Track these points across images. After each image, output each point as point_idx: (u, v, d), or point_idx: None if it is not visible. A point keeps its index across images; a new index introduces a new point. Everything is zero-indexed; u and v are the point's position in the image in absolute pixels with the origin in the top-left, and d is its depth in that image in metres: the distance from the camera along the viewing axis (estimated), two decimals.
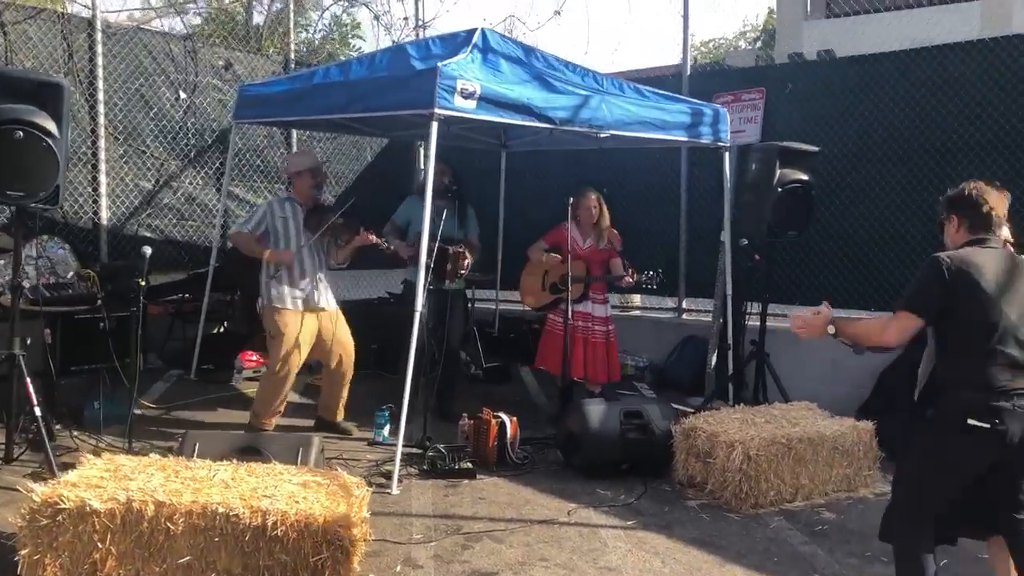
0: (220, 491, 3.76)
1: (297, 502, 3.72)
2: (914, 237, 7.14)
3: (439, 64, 5.07)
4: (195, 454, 4.46)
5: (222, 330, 7.93)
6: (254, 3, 11.43)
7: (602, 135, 5.92)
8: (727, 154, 6.88)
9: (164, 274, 7.75)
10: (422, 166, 9.78)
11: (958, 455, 3.38)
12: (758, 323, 6.69)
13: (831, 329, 3.64)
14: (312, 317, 5.87)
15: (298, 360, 5.84)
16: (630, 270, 6.36)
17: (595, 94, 5.95)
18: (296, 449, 4.53)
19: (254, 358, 7.41)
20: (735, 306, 7.11)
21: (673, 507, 5.07)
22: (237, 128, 8.10)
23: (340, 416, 6.21)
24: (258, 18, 11.84)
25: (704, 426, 5.38)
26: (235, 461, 4.19)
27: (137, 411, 6.16)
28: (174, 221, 7.99)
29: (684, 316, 8.61)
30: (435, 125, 5.10)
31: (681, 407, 7.23)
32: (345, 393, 6.17)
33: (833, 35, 12.09)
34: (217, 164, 8.18)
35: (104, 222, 7.45)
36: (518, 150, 8.69)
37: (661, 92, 6.49)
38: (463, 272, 6.20)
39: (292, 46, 8.81)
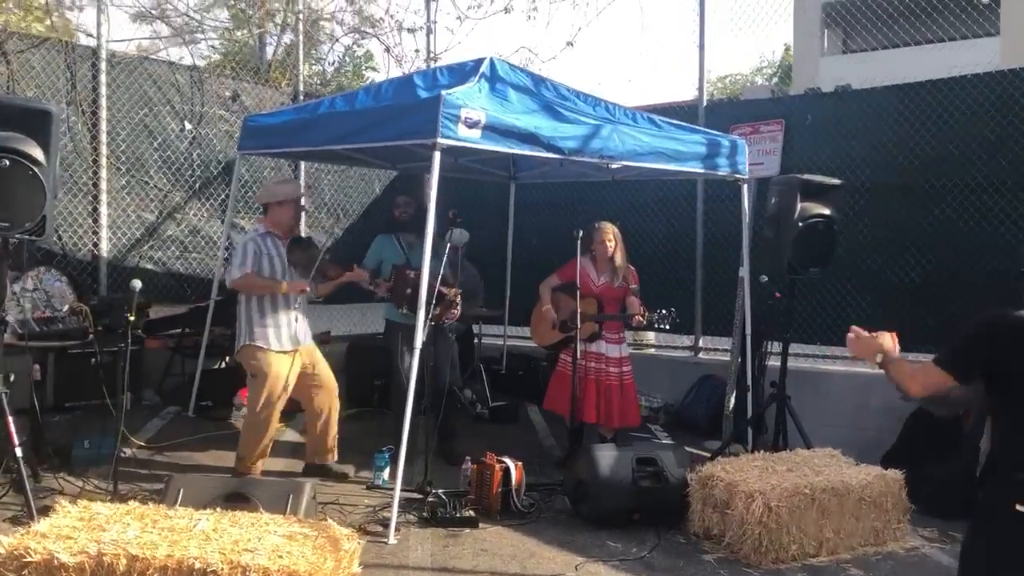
0: (199, 544, 3.50)
1: (281, 556, 3.46)
2: (941, 275, 6.86)
3: (443, 92, 4.87)
4: (178, 501, 4.21)
5: (223, 365, 7.69)
6: (266, 36, 11.36)
7: (613, 166, 5.69)
8: (745, 187, 6.63)
9: (167, 307, 7.56)
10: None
11: (1006, 548, 2.80)
12: (779, 363, 6.37)
13: (879, 358, 3.20)
14: (295, 356, 5.62)
15: (281, 401, 5.57)
16: (641, 308, 6.09)
17: (606, 123, 5.73)
18: (286, 496, 4.26)
19: None
20: (754, 345, 6.82)
21: (688, 561, 4.75)
22: (243, 159, 7.95)
23: (332, 457, 5.91)
24: (270, 51, 11.76)
25: (722, 474, 5.07)
26: (219, 509, 3.95)
27: (128, 451, 5.98)
28: (177, 253, 7.80)
29: (701, 355, 8.33)
30: (438, 155, 4.88)
31: (697, 451, 6.96)
32: (334, 432, 5.88)
33: (849, 71, 11.89)
34: (223, 196, 8.00)
35: (104, 254, 7.26)
36: (528, 182, 8.48)
37: (676, 123, 6.26)
38: (448, 321, 5.93)
39: (302, 77, 8.67)
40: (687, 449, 7.01)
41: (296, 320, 5.61)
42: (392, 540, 4.75)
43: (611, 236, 6.31)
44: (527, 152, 5.34)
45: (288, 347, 5.56)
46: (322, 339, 8.85)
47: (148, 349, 7.15)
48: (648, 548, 4.89)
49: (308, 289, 5.58)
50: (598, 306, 6.26)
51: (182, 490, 4.25)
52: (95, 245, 7.24)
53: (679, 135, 6.12)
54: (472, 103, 5.08)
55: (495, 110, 5.29)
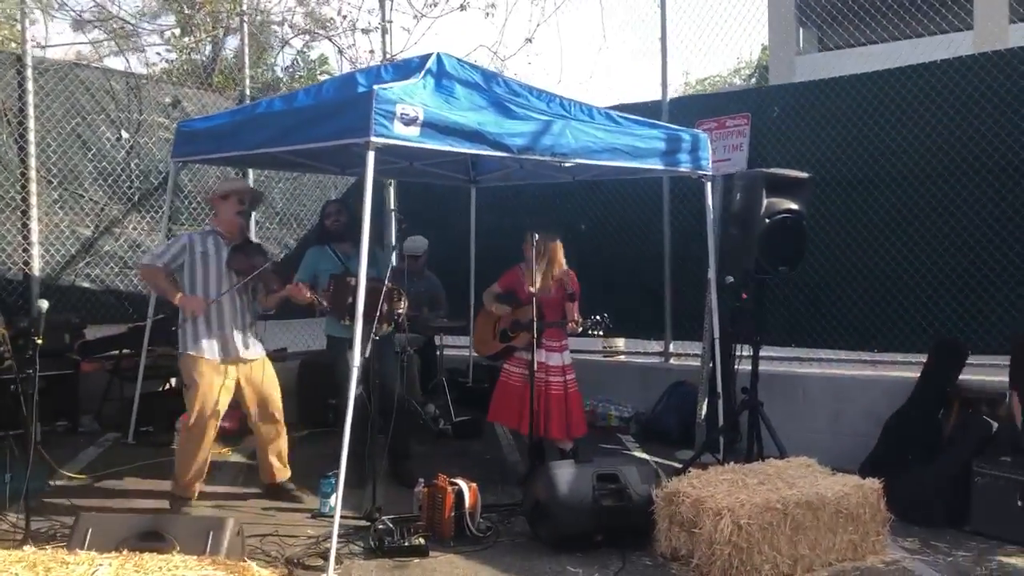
0: None
1: None
2: (919, 272, 6.56)
3: (375, 87, 4.49)
4: (86, 542, 3.81)
5: (167, 388, 7.28)
6: (217, 40, 10.93)
7: (566, 164, 5.34)
8: (709, 184, 6.29)
9: (106, 327, 7.15)
10: (392, 206, 9.20)
11: None
12: (750, 368, 6.03)
13: None
14: (231, 368, 5.24)
15: (215, 413, 5.18)
16: (576, 316, 5.80)
17: (558, 120, 5.37)
18: (206, 533, 3.86)
19: None
20: (724, 349, 6.49)
21: None
22: (186, 169, 7.58)
23: (284, 475, 5.58)
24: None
25: (688, 490, 4.72)
26: (125, 552, 3.54)
27: (57, 483, 5.58)
28: (116, 270, 7.39)
29: (672, 361, 7.99)
30: (371, 156, 4.51)
31: (669, 462, 6.62)
32: (282, 448, 5.54)
33: (826, 69, 11.64)
34: (165, 208, 7.58)
35: (36, 272, 6.85)
36: (488, 185, 8.12)
37: (635, 118, 5.92)
38: (400, 314, 5.54)
39: (247, 81, 8.27)
40: (658, 460, 6.72)
41: (238, 330, 5.23)
42: (331, 574, 4.36)
43: (535, 245, 5.94)
44: (471, 151, 4.99)
45: (225, 357, 5.19)
46: (277, 356, 8.49)
47: (85, 373, 6.73)
48: (611, 573, 4.53)
49: (200, 311, 5.12)
50: (538, 314, 5.89)
51: (90, 530, 3.84)
52: (26, 263, 6.83)
53: (637, 131, 5.79)
54: (411, 99, 4.72)
55: (438, 107, 4.93)
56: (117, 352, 6.86)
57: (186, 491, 5.22)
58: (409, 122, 4.59)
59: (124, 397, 6.84)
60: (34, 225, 6.84)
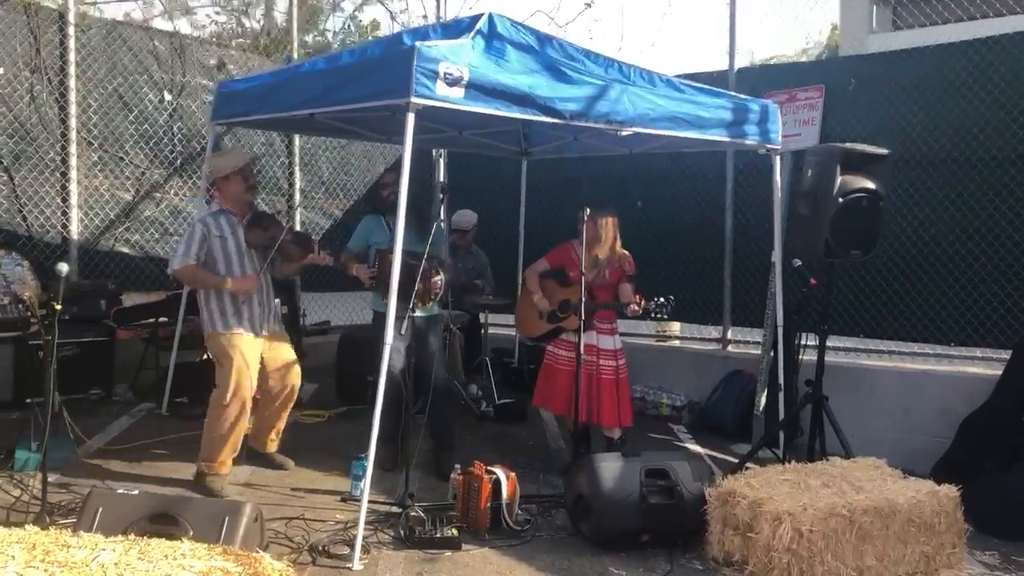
0: None
1: None
2: (1005, 261, 6.04)
3: (417, 44, 4.15)
4: (95, 521, 3.58)
5: (207, 357, 7.07)
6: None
7: (623, 133, 4.94)
8: (778, 158, 5.84)
9: (144, 295, 6.97)
10: (441, 178, 8.89)
11: None
12: (815, 359, 5.58)
13: None
14: (261, 341, 5.10)
15: (250, 390, 4.99)
16: (637, 296, 5.36)
17: (615, 85, 4.97)
18: (221, 518, 3.61)
19: None
20: (787, 338, 6.05)
21: None
22: (233, 134, 7.35)
23: (274, 446, 5.45)
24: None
25: (745, 491, 4.33)
26: (132, 536, 3.30)
27: (85, 453, 5.41)
28: (156, 236, 7.20)
29: (730, 348, 7.56)
30: (411, 118, 4.18)
31: (724, 456, 6.24)
32: (281, 421, 5.42)
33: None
34: (204, 173, 7.36)
35: (74, 236, 6.69)
36: (541, 157, 7.75)
37: (699, 86, 5.49)
38: (436, 293, 5.23)
39: (295, 43, 7.98)
40: (711, 453, 6.34)
41: (262, 303, 5.07)
42: (356, 565, 4.08)
43: (598, 220, 5.55)
44: (520, 115, 4.62)
45: (254, 331, 5.03)
46: (319, 330, 8.28)
47: (121, 340, 6.55)
48: None
49: (257, 285, 4.99)
50: (590, 295, 5.50)
51: (100, 509, 3.62)
52: (64, 227, 6.66)
53: (701, 99, 5.36)
54: (456, 59, 4.37)
55: (486, 68, 4.57)
56: (153, 320, 6.67)
57: (215, 472, 5.00)
58: (453, 83, 4.24)
59: (160, 366, 6.66)
60: (73, 187, 6.68)
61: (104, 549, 3.14)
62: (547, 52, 5.36)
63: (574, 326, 5.47)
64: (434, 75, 4.18)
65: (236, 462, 5.18)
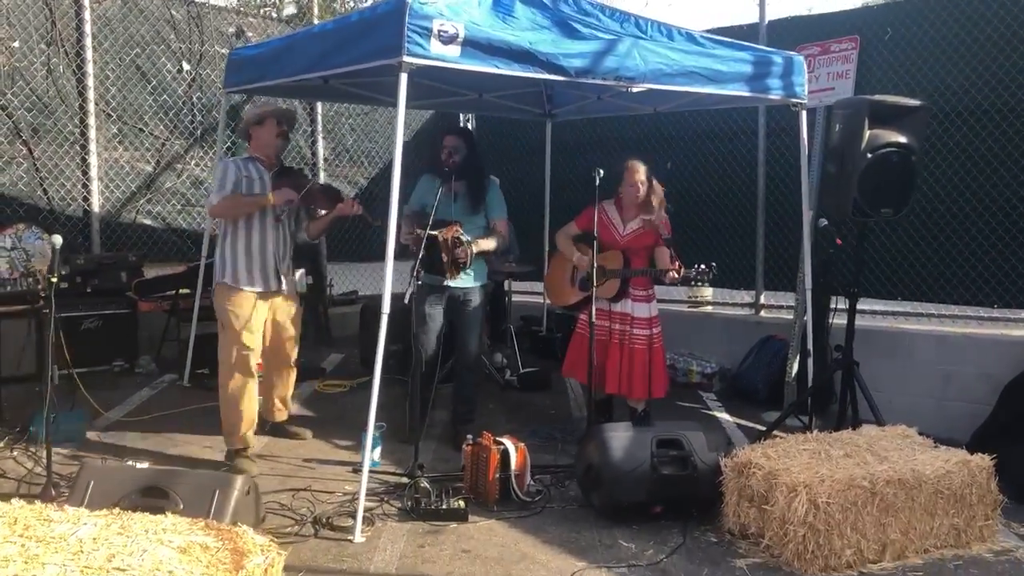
0: (63, 560, 2.81)
1: None
2: None
3: (408, 1, 3.98)
4: (87, 495, 3.55)
5: None
6: None
7: (633, 89, 4.73)
8: (803, 113, 5.56)
9: (166, 266, 6.96)
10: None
11: None
12: (845, 322, 5.34)
13: None
14: (266, 302, 4.94)
15: (255, 353, 4.89)
16: (676, 263, 5.11)
17: (625, 39, 4.74)
18: (211, 492, 3.55)
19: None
20: (817, 302, 5.81)
21: (716, 568, 3.88)
22: (254, 103, 7.27)
23: (284, 416, 5.39)
24: None
25: (761, 461, 4.14)
26: (116, 511, 3.26)
27: (102, 425, 5.43)
28: (178, 207, 7.19)
29: (762, 313, 7.31)
30: (403, 78, 4.03)
31: (754, 424, 6.04)
32: (288, 390, 5.35)
33: None
34: (228, 143, 7.31)
35: (95, 209, 6.69)
36: (565, 119, 7.54)
37: (719, 39, 5.22)
38: (463, 262, 5.08)
39: (316, 9, 7.85)
40: (741, 422, 6.15)
41: (278, 260, 4.93)
42: (358, 538, 4.01)
43: (643, 177, 5.33)
44: (519, 73, 4.41)
45: (261, 288, 4.89)
46: (346, 299, 8.23)
47: (143, 313, 6.56)
48: (668, 550, 4.03)
49: (293, 198, 4.83)
50: (624, 260, 5.31)
51: (92, 482, 3.58)
52: (85, 199, 6.67)
53: (719, 52, 5.10)
54: (455, 15, 4.19)
55: (489, 24, 4.39)
56: (175, 292, 6.67)
57: (240, 444, 4.92)
58: (448, 40, 4.07)
59: (182, 338, 6.66)
60: (93, 160, 6.67)
61: (85, 523, 3.10)
62: (559, 7, 5.11)
63: (608, 293, 5.28)
64: (428, 32, 4.02)
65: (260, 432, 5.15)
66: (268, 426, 5.36)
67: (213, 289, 4.95)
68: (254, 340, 4.88)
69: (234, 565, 2.90)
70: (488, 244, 5.27)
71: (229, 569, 2.87)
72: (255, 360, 4.92)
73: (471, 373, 5.56)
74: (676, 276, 5.07)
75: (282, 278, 4.98)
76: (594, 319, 5.01)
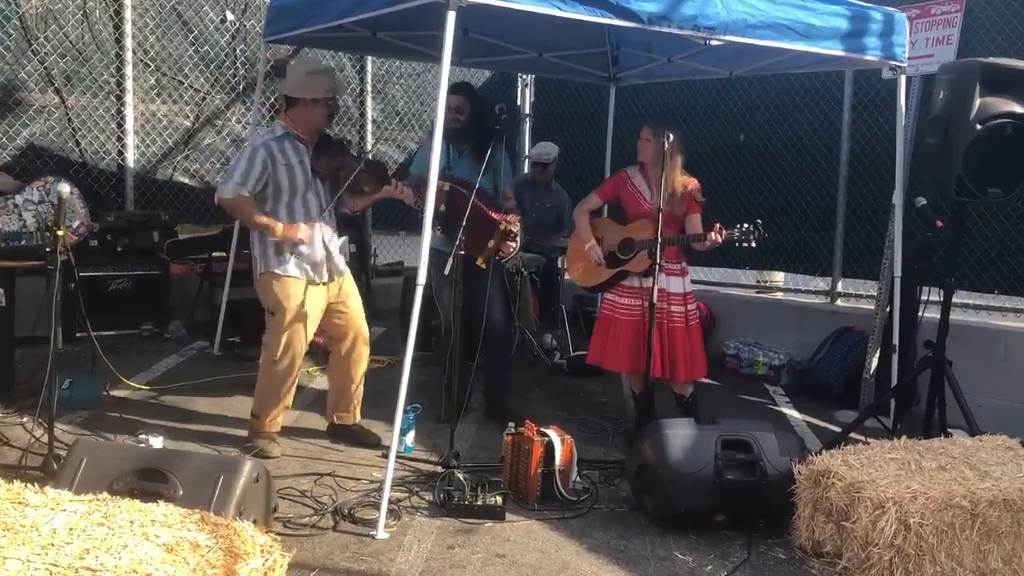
0: (27, 554, 2.43)
1: None
2: None
3: None
4: (78, 474, 3.18)
5: None
6: None
7: (713, 41, 4.18)
8: (903, 78, 4.96)
9: (203, 228, 6.63)
10: (526, 109, 8.26)
11: None
12: (938, 316, 4.76)
13: None
14: (321, 288, 4.47)
15: (303, 344, 4.44)
16: (717, 225, 4.57)
17: None
18: (215, 477, 3.14)
19: None
20: (906, 292, 5.23)
21: None
22: (300, 58, 6.89)
23: (357, 417, 4.77)
24: None
25: (842, 470, 3.63)
26: (103, 495, 2.88)
27: (120, 393, 5.11)
28: (217, 166, 6.85)
29: (839, 302, 6.73)
30: (451, 16, 3.56)
31: (825, 424, 5.50)
32: (357, 384, 4.70)
33: None
34: (272, 99, 6.93)
35: (130, 164, 6.39)
36: (631, 83, 6.99)
37: None
38: (503, 257, 4.67)
39: None
40: (810, 420, 5.62)
41: (325, 245, 4.45)
42: (381, 534, 3.58)
43: (647, 136, 4.79)
44: (587, 16, 3.89)
45: (315, 277, 4.42)
46: (391, 270, 7.83)
47: (175, 275, 6.23)
48: (731, 566, 3.54)
49: (304, 239, 4.34)
50: (655, 230, 4.74)
51: (85, 461, 3.21)
52: (120, 153, 6.35)
53: (811, 4, 4.51)
54: None
55: None
56: (208, 255, 6.31)
57: (266, 429, 4.52)
58: None
59: (214, 304, 6.31)
60: (129, 112, 6.36)
61: (64, 510, 2.73)
62: None
63: (639, 268, 4.77)
64: None
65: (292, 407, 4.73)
66: (333, 430, 4.79)
67: (257, 279, 4.47)
68: (306, 328, 4.40)
69: (225, 569, 2.50)
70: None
71: (218, 574, 2.47)
72: (303, 348, 4.45)
73: (500, 343, 5.18)
74: (717, 238, 4.53)
75: (335, 259, 4.51)
76: (654, 300, 4.51)
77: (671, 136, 4.59)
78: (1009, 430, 4.17)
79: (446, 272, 4.33)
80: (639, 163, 4.91)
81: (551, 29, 5.16)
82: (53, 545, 2.50)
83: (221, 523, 2.78)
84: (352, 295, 4.65)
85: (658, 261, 4.55)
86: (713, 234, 4.54)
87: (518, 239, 4.83)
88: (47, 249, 3.75)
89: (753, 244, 4.55)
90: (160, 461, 3.24)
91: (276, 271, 4.36)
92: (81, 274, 5.72)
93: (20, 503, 2.76)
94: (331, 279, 4.51)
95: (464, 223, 4.34)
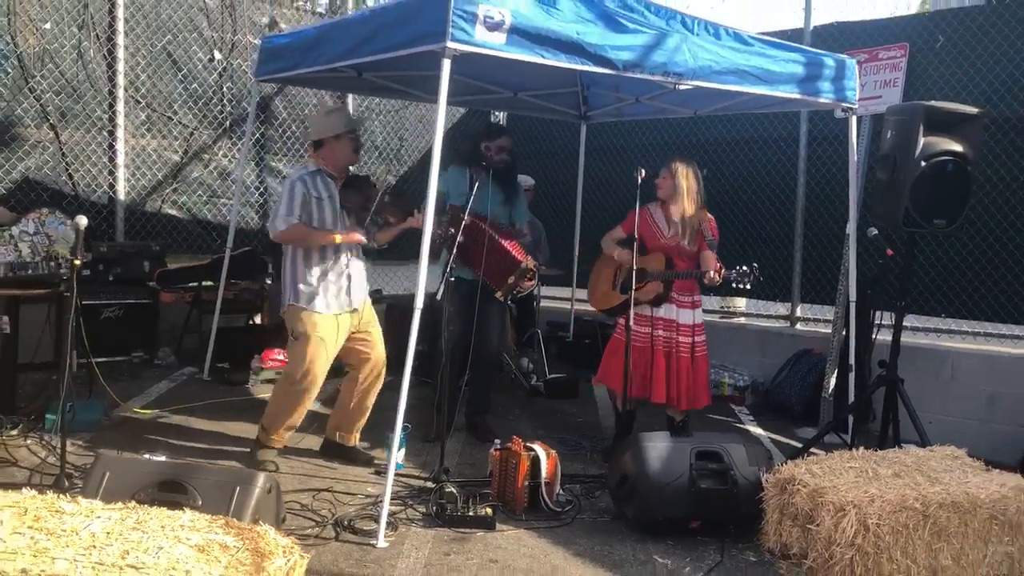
0: (74, 555, 2.65)
1: None
2: None
3: None
4: (102, 487, 3.40)
5: (252, 323, 6.94)
6: None
7: (682, 86, 4.55)
8: (854, 119, 5.37)
9: (190, 258, 6.84)
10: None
11: None
12: (890, 339, 5.13)
13: None
14: (346, 318, 4.71)
15: (324, 369, 4.67)
16: (717, 265, 4.92)
17: (674, 34, 4.57)
18: (231, 489, 3.38)
19: (279, 357, 6.32)
20: (861, 316, 5.60)
21: None
22: (284, 94, 7.18)
23: (355, 440, 4.99)
24: None
25: (806, 477, 3.95)
26: (132, 504, 3.10)
27: (121, 415, 5.30)
28: (204, 198, 7.07)
29: (799, 326, 7.12)
30: (446, 64, 3.87)
31: (788, 440, 5.84)
32: (367, 409, 4.94)
33: None
34: (258, 135, 7.19)
35: (121, 196, 6.58)
36: (600, 121, 7.37)
37: (768, 39, 5.04)
38: (519, 292, 4.99)
39: (351, 1, 7.73)
40: (774, 437, 5.96)
41: (349, 277, 4.70)
42: (381, 543, 3.83)
43: (667, 172, 5.16)
44: (567, 64, 4.25)
45: (338, 310, 4.66)
46: (374, 298, 8.07)
47: (165, 303, 6.43)
48: (706, 568, 3.84)
49: (364, 240, 4.69)
50: (667, 262, 5.13)
51: (107, 474, 3.43)
52: (111, 186, 6.56)
53: (770, 52, 4.91)
54: (501, 3, 4.03)
55: (533, 15, 4.22)
56: (197, 283, 6.53)
57: (273, 443, 4.76)
58: (493, 27, 3.91)
59: (203, 331, 6.52)
60: (120, 147, 6.57)
61: (99, 517, 2.95)
62: (604, 1, 4.98)
63: (649, 296, 5.10)
64: (473, 18, 3.86)
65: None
66: (329, 447, 5.01)
67: (284, 309, 4.70)
68: (323, 357, 4.64)
69: (254, 567, 2.73)
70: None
71: (249, 571, 2.70)
72: (323, 375, 4.69)
73: (488, 368, 5.49)
74: (716, 277, 4.88)
75: (360, 290, 4.79)
76: (631, 323, 4.84)
77: (643, 171, 4.93)
78: (957, 443, 4.47)
79: (439, 297, 4.59)
80: (661, 200, 5.23)
81: (526, 71, 5.50)
82: (95, 547, 2.72)
83: (245, 527, 3.01)
84: (374, 323, 4.89)
85: (632, 289, 4.89)
86: (711, 272, 4.88)
87: (536, 277, 5.15)
88: (64, 277, 3.96)
89: (748, 286, 4.88)
90: (179, 473, 3.46)
91: (303, 306, 4.59)
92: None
93: (57, 511, 2.97)
94: (354, 309, 4.75)
95: (485, 255, 4.67)
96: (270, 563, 2.78)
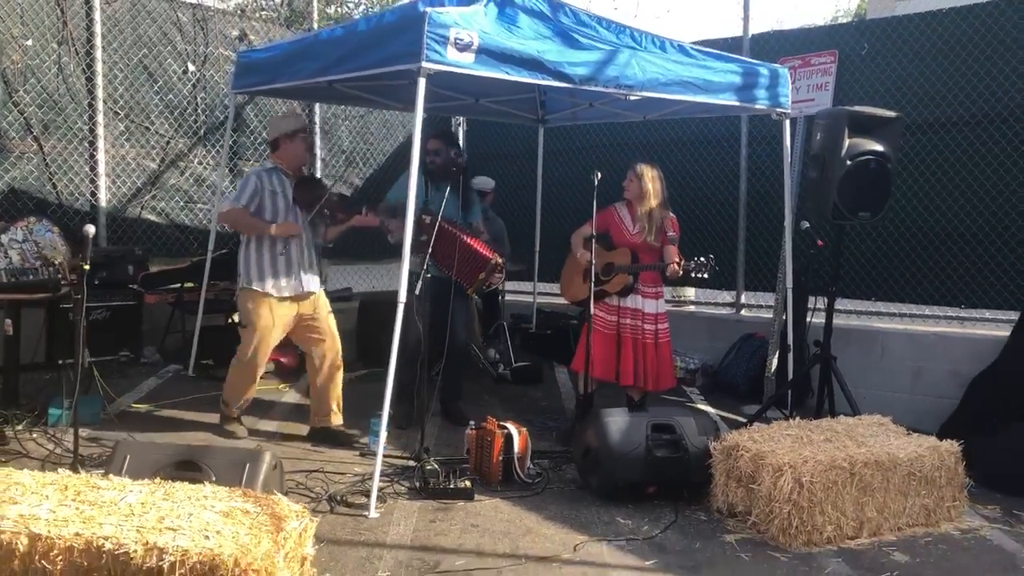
0: (118, 521, 3.04)
1: (207, 537, 2.98)
2: (1016, 223, 6.07)
3: (427, 9, 4.26)
4: (124, 469, 3.78)
5: (230, 322, 7.27)
6: None
7: (632, 97, 5.03)
8: (787, 122, 5.90)
9: (170, 261, 7.17)
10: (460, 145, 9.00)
11: None
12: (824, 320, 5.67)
13: None
14: (292, 305, 5.23)
15: (268, 350, 5.27)
16: (677, 258, 5.43)
17: (624, 50, 5.06)
18: (242, 466, 3.79)
19: None
20: (798, 301, 6.14)
21: (706, 542, 4.17)
22: (255, 104, 7.52)
23: (337, 419, 5.46)
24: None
25: (748, 444, 4.45)
26: (158, 480, 3.49)
27: (115, 411, 5.64)
28: (181, 204, 7.39)
29: (743, 312, 7.66)
30: (423, 83, 4.31)
31: (735, 416, 6.36)
32: (336, 391, 5.43)
33: None
34: (230, 143, 7.52)
35: (103, 204, 6.89)
36: (557, 125, 7.84)
37: (710, 51, 5.55)
38: (489, 287, 5.44)
39: (316, 15, 8.09)
40: (723, 414, 6.46)
41: (302, 265, 5.22)
42: (373, 513, 4.26)
43: (632, 175, 5.64)
44: (529, 79, 4.72)
45: (288, 294, 5.19)
46: (341, 296, 8.45)
47: (148, 304, 6.75)
48: (662, 526, 4.32)
49: (299, 232, 5.17)
50: (632, 257, 5.61)
51: (128, 457, 3.81)
52: (93, 195, 6.86)
53: (710, 64, 5.42)
54: (468, 24, 4.47)
55: (497, 33, 4.68)
56: (179, 285, 6.87)
57: (236, 411, 5.40)
58: (463, 48, 4.36)
59: (186, 330, 6.87)
60: (101, 156, 6.87)
61: (132, 491, 3.33)
62: (559, 19, 5.43)
63: (616, 288, 5.57)
64: (445, 40, 4.29)
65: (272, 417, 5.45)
66: (315, 433, 5.45)
67: (238, 293, 5.21)
68: (272, 342, 5.22)
69: (274, 528, 3.14)
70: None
71: (271, 531, 3.11)
72: (265, 358, 5.28)
73: (459, 359, 5.93)
74: (676, 268, 5.38)
75: (310, 280, 5.25)
76: (592, 311, 5.32)
77: (599, 174, 5.40)
78: (886, 414, 4.97)
79: (417, 293, 5.00)
80: (626, 199, 5.70)
81: (490, 80, 5.93)
82: (134, 514, 3.11)
83: (260, 496, 3.43)
84: (324, 310, 5.40)
85: (592, 282, 5.37)
86: (672, 265, 5.39)
87: (504, 271, 5.59)
88: (65, 281, 4.32)
89: (705, 276, 5.36)
90: (193, 454, 3.86)
91: (254, 287, 5.12)
92: (63, 305, 6.25)
93: (94, 487, 3.35)
94: (304, 297, 5.23)
95: (456, 255, 5.10)
96: (287, 524, 3.20)
